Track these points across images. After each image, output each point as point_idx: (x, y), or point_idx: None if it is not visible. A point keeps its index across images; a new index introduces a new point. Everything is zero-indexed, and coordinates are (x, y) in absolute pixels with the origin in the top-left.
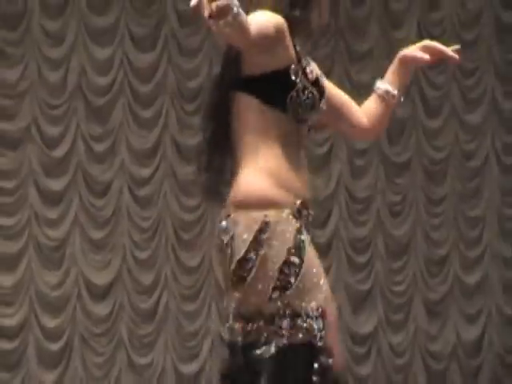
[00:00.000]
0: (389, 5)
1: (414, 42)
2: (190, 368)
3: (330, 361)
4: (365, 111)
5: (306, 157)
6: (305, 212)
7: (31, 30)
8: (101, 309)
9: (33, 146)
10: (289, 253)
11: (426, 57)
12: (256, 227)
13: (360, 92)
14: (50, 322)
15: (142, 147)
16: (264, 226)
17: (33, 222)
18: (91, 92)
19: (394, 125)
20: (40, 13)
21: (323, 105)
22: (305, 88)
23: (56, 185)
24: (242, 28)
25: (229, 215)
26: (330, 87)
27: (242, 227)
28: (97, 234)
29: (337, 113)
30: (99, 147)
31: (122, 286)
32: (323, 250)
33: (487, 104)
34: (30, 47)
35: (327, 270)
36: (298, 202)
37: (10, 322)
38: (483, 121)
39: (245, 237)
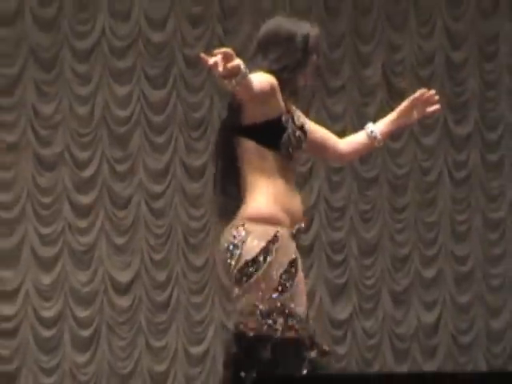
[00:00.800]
0: (359, 48)
1: (379, 79)
2: (197, 350)
3: (314, 353)
4: (348, 141)
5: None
6: (298, 235)
7: (64, 72)
8: (123, 301)
9: (66, 167)
10: (289, 264)
11: (415, 117)
12: (269, 238)
13: (335, 120)
14: (82, 313)
15: (156, 168)
16: (275, 239)
17: (66, 230)
18: (114, 123)
19: None
20: (71, 58)
21: (305, 144)
22: (294, 132)
23: (85, 199)
24: (248, 85)
25: (243, 224)
26: (312, 124)
27: (255, 235)
28: (119, 240)
29: (319, 143)
30: (121, 168)
31: (140, 282)
32: (307, 251)
33: (440, 129)
34: (63, 86)
35: (310, 268)
36: (297, 227)
37: (49, 313)
38: (437, 143)
39: (255, 243)
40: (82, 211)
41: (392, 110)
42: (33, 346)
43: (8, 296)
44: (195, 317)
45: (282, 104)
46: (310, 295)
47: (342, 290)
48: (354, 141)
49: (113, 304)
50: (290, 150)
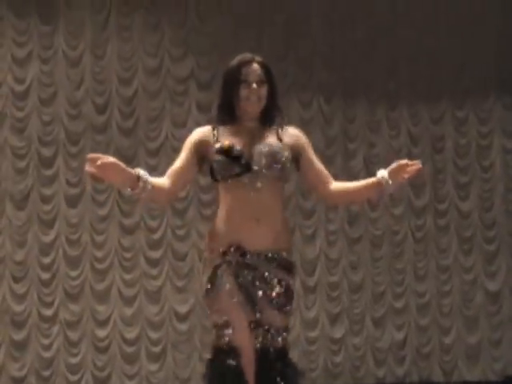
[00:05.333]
0: (347, 146)
1: (361, 167)
2: None
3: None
4: (340, 184)
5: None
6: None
7: (139, 165)
8: (183, 327)
9: (141, 232)
10: (207, 281)
11: (403, 178)
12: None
13: None
14: (154, 335)
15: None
16: (205, 263)
17: (142, 276)
18: (175, 207)
19: None
20: (144, 155)
21: (256, 164)
22: (214, 159)
23: (155, 254)
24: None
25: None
26: (311, 157)
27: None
28: (179, 283)
29: (312, 177)
30: (180, 232)
31: (195, 313)
32: (312, 290)
33: (405, 202)
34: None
35: (314, 301)
36: (228, 247)
37: (130, 335)
38: (403, 212)
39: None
40: (153, 263)
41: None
42: (119, 359)
43: (101, 323)
44: None
45: (209, 142)
46: (315, 321)
47: (337, 317)
48: (346, 184)
49: (175, 329)
50: (219, 176)
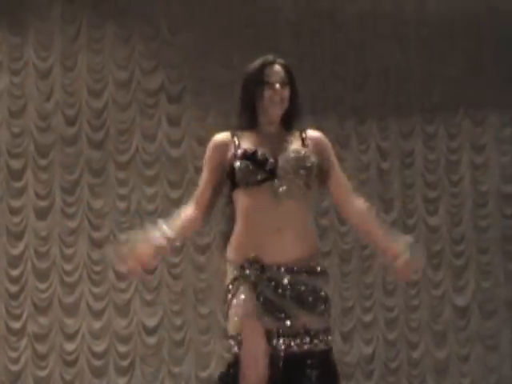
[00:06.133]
0: None
1: None
2: (203, 374)
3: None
4: (360, 218)
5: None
6: (252, 266)
7: (109, 178)
8: (151, 340)
9: (111, 245)
10: (225, 292)
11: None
12: (231, 276)
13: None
14: (122, 349)
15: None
16: (230, 277)
17: (111, 290)
18: (145, 214)
19: None
20: (114, 168)
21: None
22: (237, 165)
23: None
24: (177, 234)
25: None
26: (338, 172)
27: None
28: (148, 297)
29: (338, 194)
30: None
31: (163, 326)
32: None
33: None
34: (108, 188)
35: None
36: (246, 258)
37: (99, 349)
38: None
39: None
40: (122, 276)
41: None
42: (87, 372)
43: (70, 337)
44: (203, 350)
45: (230, 153)
46: None
47: None
48: (367, 222)
49: (144, 342)
50: (241, 183)
